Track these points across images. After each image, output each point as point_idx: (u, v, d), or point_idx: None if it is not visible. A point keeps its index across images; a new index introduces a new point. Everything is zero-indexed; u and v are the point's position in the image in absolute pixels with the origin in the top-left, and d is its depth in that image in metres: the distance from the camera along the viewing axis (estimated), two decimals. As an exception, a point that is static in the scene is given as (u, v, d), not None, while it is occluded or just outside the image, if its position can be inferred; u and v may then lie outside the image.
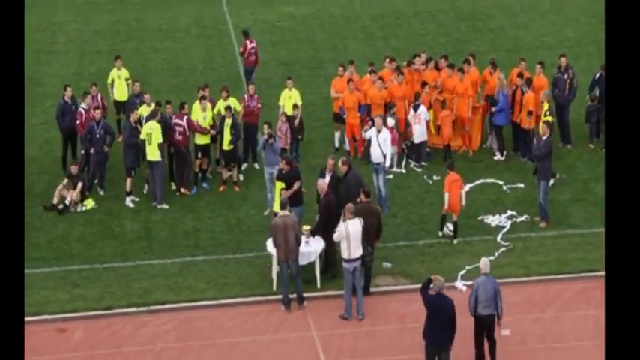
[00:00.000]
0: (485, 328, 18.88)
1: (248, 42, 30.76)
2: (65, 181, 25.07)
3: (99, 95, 26.76)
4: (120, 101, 28.10)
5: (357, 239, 20.46)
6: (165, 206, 24.89)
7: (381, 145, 24.46)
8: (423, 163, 26.87)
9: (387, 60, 28.19)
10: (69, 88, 26.44)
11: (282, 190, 22.32)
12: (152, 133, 24.67)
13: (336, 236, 20.60)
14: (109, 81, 28.28)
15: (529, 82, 26.85)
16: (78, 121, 25.95)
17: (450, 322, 18.08)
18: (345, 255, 20.51)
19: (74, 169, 25.08)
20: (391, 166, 25.57)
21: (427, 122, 26.88)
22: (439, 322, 18.03)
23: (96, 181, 25.72)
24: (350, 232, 20.37)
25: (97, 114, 25.48)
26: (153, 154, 24.73)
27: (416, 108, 26.73)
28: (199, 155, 25.82)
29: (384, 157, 24.44)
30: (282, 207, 20.98)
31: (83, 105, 26.11)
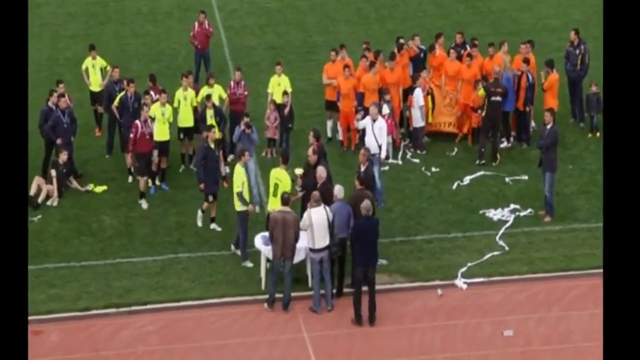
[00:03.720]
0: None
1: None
2: (53, 171, 24.64)
3: (67, 96, 25.82)
4: (95, 92, 27.72)
5: (323, 228, 20.27)
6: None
7: (376, 134, 24.04)
8: (418, 152, 26.67)
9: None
10: (55, 94, 25.49)
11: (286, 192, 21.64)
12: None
13: (301, 224, 20.50)
14: (84, 68, 28.05)
15: (551, 64, 26.74)
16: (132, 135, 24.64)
17: (376, 240, 20.10)
18: (309, 244, 20.42)
19: (63, 157, 24.64)
20: (387, 157, 25.20)
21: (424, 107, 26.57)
22: (368, 243, 19.92)
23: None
24: (313, 220, 20.23)
25: (63, 103, 25.04)
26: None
27: (411, 91, 26.57)
28: (157, 153, 24.88)
29: (380, 147, 24.00)
30: (285, 202, 20.61)
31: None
